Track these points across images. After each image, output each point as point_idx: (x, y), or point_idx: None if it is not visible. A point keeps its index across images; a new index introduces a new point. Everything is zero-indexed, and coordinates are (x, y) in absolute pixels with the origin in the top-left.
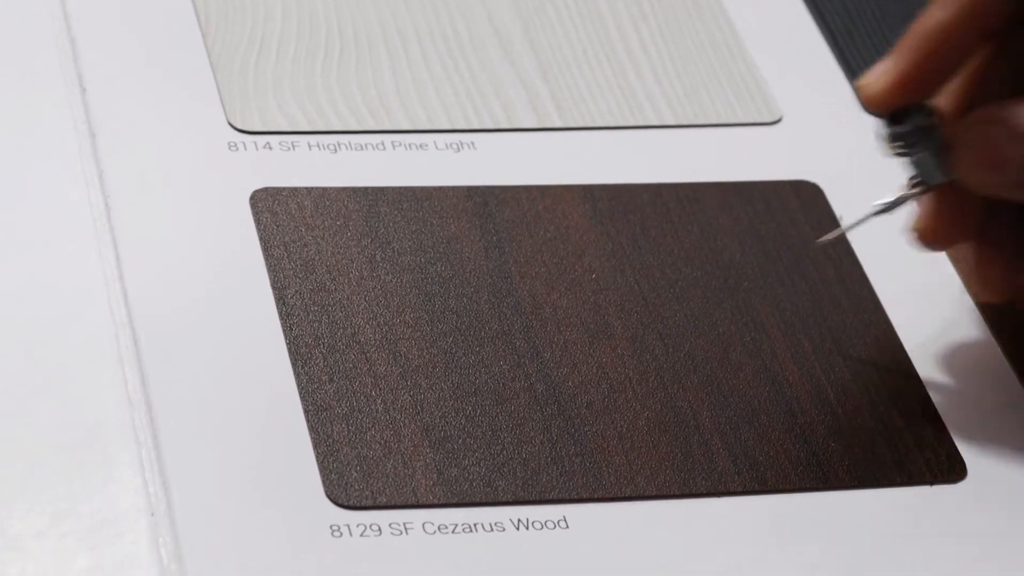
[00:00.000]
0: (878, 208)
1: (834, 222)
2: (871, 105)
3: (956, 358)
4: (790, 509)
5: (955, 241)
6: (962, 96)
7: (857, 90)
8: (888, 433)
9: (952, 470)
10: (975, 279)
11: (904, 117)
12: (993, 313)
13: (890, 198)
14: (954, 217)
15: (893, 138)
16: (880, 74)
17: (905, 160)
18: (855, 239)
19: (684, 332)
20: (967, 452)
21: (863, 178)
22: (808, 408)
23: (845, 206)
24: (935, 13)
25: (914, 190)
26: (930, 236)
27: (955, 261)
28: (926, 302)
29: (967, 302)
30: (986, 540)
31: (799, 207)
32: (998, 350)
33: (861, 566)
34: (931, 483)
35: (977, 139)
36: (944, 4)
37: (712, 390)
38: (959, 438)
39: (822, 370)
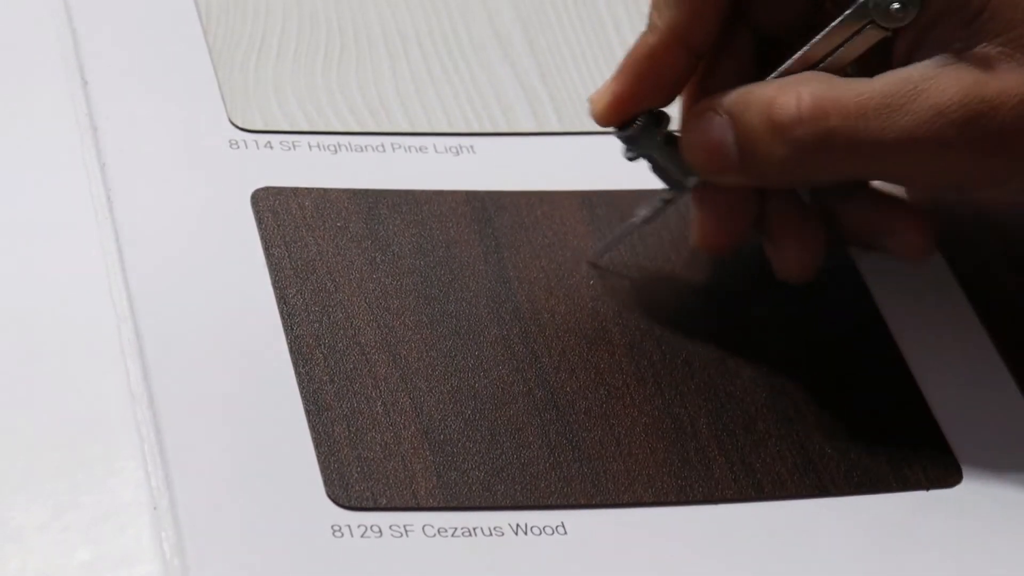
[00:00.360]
0: (638, 220)
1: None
2: (596, 121)
3: (953, 363)
4: (787, 516)
5: (732, 243)
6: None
7: (590, 105)
8: (885, 439)
9: (948, 475)
10: (775, 267)
11: (631, 126)
12: (991, 317)
13: (646, 210)
14: (721, 220)
15: (624, 143)
16: (601, 93)
17: (650, 167)
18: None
19: (681, 338)
20: (963, 457)
21: None
22: (805, 414)
23: None
24: (645, 38)
25: (666, 195)
26: (703, 242)
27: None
28: (923, 307)
29: (965, 306)
30: (982, 545)
31: None
32: (995, 354)
33: (858, 572)
34: (927, 488)
35: (696, 128)
36: (652, 29)
37: (709, 396)
38: (955, 443)
39: (819, 376)
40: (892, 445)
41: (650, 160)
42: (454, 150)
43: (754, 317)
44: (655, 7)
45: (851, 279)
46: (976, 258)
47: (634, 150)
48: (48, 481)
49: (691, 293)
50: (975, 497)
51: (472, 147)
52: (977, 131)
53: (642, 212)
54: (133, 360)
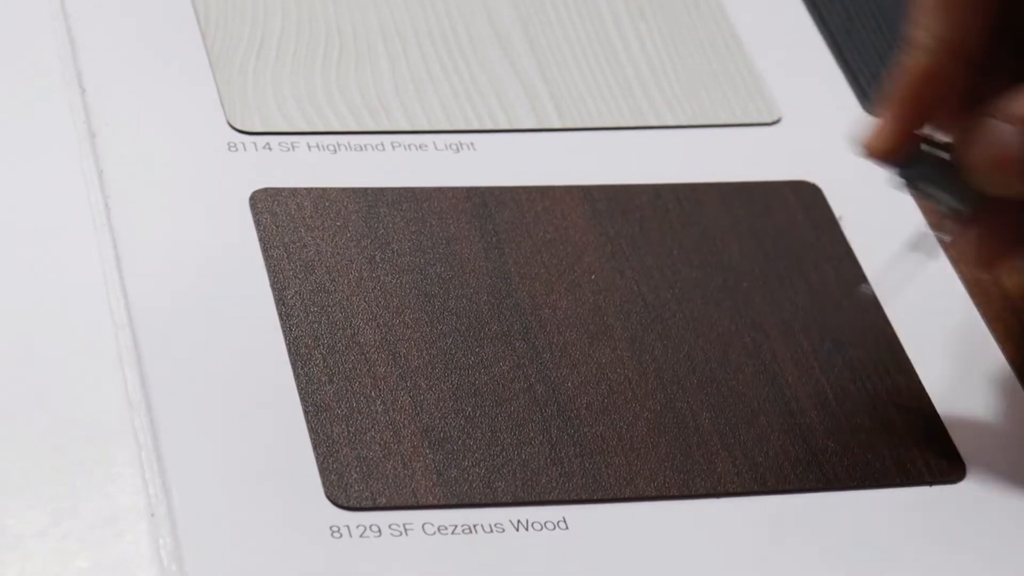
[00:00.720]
0: (919, 256)
1: (833, 223)
2: (878, 159)
3: (955, 358)
4: (790, 510)
5: (1007, 259)
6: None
7: (862, 148)
8: (887, 433)
9: (951, 470)
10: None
11: (919, 157)
12: (993, 312)
13: (926, 239)
14: (997, 238)
15: (907, 179)
16: (880, 130)
17: (930, 196)
18: (854, 239)
19: (683, 333)
20: (966, 452)
21: (863, 179)
22: (807, 409)
23: (845, 207)
24: (915, 58)
25: (943, 220)
26: (981, 260)
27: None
28: (926, 302)
29: (967, 302)
30: (985, 540)
31: (799, 208)
32: (997, 350)
33: (861, 566)
34: (930, 483)
35: (982, 138)
36: (922, 48)
37: (711, 391)
38: (958, 438)
39: (821, 371)
40: (895, 440)
41: (931, 193)
42: (454, 147)
43: (757, 311)
44: (920, 25)
45: (854, 274)
46: None
47: (916, 185)
48: (46, 488)
49: (693, 287)
50: (978, 492)
51: (472, 144)
52: None
53: (923, 249)
54: (131, 367)
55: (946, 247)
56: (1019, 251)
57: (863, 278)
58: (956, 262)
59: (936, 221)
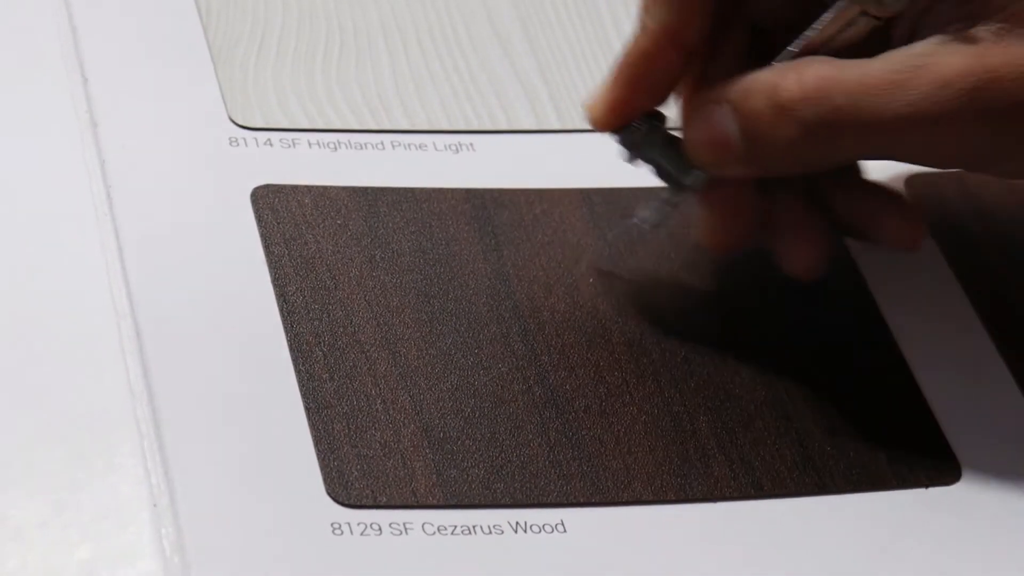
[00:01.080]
0: (646, 226)
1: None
2: (594, 127)
3: (952, 360)
4: (786, 514)
5: (738, 243)
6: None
7: (586, 111)
8: (884, 436)
9: (947, 473)
10: (782, 264)
11: (630, 128)
12: (990, 314)
13: (650, 214)
14: (726, 219)
15: (625, 147)
16: (597, 99)
17: (651, 170)
18: (852, 242)
19: (681, 336)
20: (962, 454)
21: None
22: (804, 412)
23: None
24: (637, 40)
25: (669, 197)
26: (710, 242)
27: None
28: (923, 304)
29: (964, 303)
30: (982, 542)
31: None
32: (994, 351)
33: (858, 570)
34: (927, 486)
35: (698, 121)
36: (643, 30)
37: (709, 394)
38: (954, 440)
39: (818, 373)
40: (891, 443)
41: (651, 163)
42: (454, 148)
43: (754, 315)
44: (644, 9)
45: (850, 277)
46: (975, 256)
47: (635, 154)
48: (48, 478)
49: (691, 291)
50: (974, 495)
51: (472, 145)
52: (983, 102)
53: (646, 215)
54: (133, 357)
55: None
56: (743, 233)
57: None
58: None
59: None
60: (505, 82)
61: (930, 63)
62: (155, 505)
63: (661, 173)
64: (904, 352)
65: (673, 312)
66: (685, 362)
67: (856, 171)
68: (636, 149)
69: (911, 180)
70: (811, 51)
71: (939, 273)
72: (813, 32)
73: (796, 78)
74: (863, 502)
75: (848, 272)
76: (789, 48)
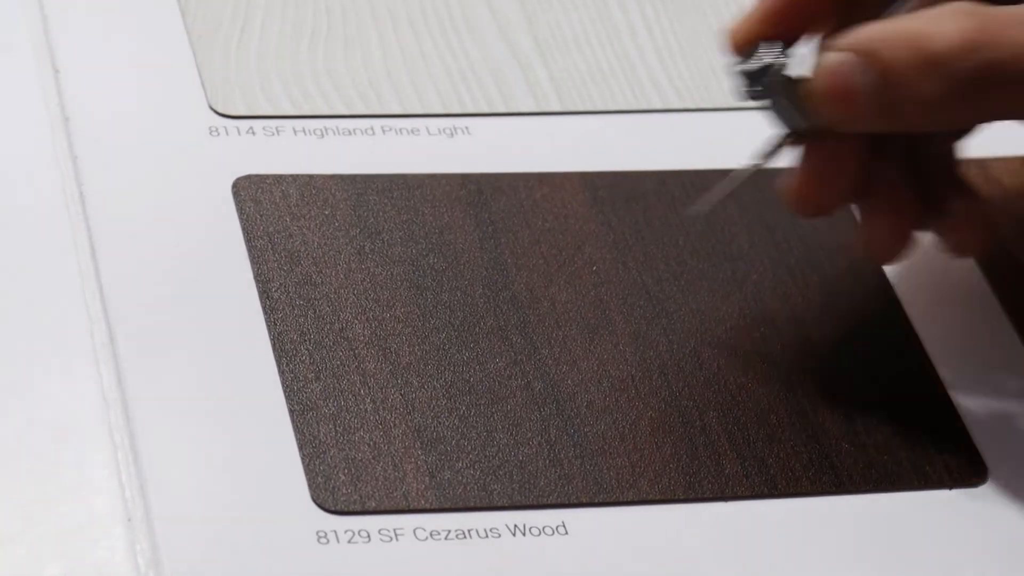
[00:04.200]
0: (752, 165)
1: (847, 211)
2: (737, 50)
3: (977, 355)
4: (802, 514)
5: (832, 205)
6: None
7: (727, 36)
8: (905, 434)
9: (972, 473)
10: (861, 240)
11: (755, 57)
12: (1017, 307)
13: (761, 153)
14: (827, 177)
15: (745, 78)
16: (744, 21)
17: (766, 106)
18: None
19: (689, 327)
20: (988, 454)
21: None
22: (820, 407)
23: None
24: None
25: (781, 139)
26: (801, 200)
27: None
28: (945, 295)
29: (989, 295)
30: (1008, 547)
31: None
32: (1021, 346)
33: (877, 573)
34: (951, 487)
35: (826, 70)
36: None
37: (719, 389)
38: (980, 439)
39: (835, 367)
40: (913, 441)
41: (771, 96)
42: (448, 132)
43: (767, 306)
44: None
45: (871, 268)
46: (1000, 246)
47: (757, 87)
48: (17, 491)
49: (699, 279)
50: (1001, 497)
51: (467, 128)
52: None
53: (756, 156)
54: (106, 363)
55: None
56: (838, 197)
57: (877, 268)
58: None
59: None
60: (502, 62)
61: None
62: (129, 519)
63: (781, 112)
64: (927, 347)
65: (681, 302)
66: (694, 355)
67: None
68: (761, 83)
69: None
70: None
71: (963, 264)
72: None
73: (946, 27)
74: (882, 503)
75: (867, 262)
76: None
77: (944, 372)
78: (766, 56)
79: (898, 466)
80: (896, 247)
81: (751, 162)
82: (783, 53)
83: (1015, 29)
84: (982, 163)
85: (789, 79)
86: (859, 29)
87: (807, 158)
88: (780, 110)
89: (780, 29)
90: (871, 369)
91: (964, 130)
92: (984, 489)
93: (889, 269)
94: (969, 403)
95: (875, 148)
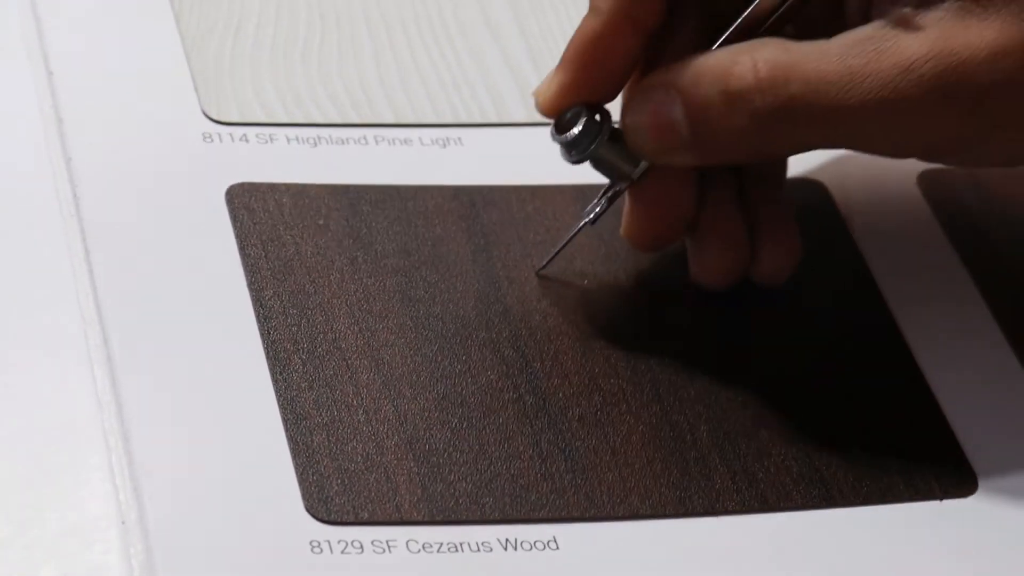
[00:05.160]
0: (586, 220)
1: (840, 222)
2: (542, 113)
3: (968, 367)
4: (793, 528)
5: (667, 238)
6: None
7: (535, 98)
8: (895, 446)
9: (963, 484)
10: (694, 268)
11: (570, 122)
12: (1008, 318)
13: (594, 207)
14: (659, 213)
15: (566, 146)
16: (546, 86)
17: (593, 165)
18: (862, 240)
19: (681, 341)
20: (978, 465)
21: (870, 176)
22: (811, 421)
23: (851, 204)
24: (588, 22)
25: (611, 191)
26: (637, 236)
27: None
28: (937, 307)
29: (982, 307)
30: (998, 558)
31: (803, 206)
32: (1013, 358)
33: None
34: (941, 498)
35: (641, 107)
36: (595, 11)
37: (710, 403)
38: (970, 450)
39: (826, 381)
40: (903, 453)
41: (594, 159)
42: (441, 142)
43: (758, 320)
44: None
45: (861, 279)
46: (991, 256)
47: (578, 153)
48: (10, 494)
49: (691, 294)
50: (991, 507)
51: (460, 139)
52: (947, 88)
53: (589, 212)
54: (100, 366)
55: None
56: (672, 230)
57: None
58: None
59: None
60: (495, 72)
61: (891, 47)
62: (123, 522)
63: (605, 168)
64: (917, 357)
65: (673, 316)
66: (685, 369)
67: (778, 175)
68: (580, 148)
69: (923, 176)
70: (758, 26)
71: (955, 275)
72: (760, 5)
73: (750, 64)
74: (873, 515)
75: (859, 275)
76: (734, 26)
77: (934, 383)
78: (579, 123)
79: (888, 478)
80: (725, 276)
81: (584, 219)
82: (595, 115)
83: (813, 63)
84: None
85: (612, 133)
86: (672, 65)
87: (638, 197)
88: (606, 168)
89: (585, 88)
90: (861, 382)
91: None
92: (974, 500)
93: (881, 282)
94: (959, 414)
95: (706, 183)
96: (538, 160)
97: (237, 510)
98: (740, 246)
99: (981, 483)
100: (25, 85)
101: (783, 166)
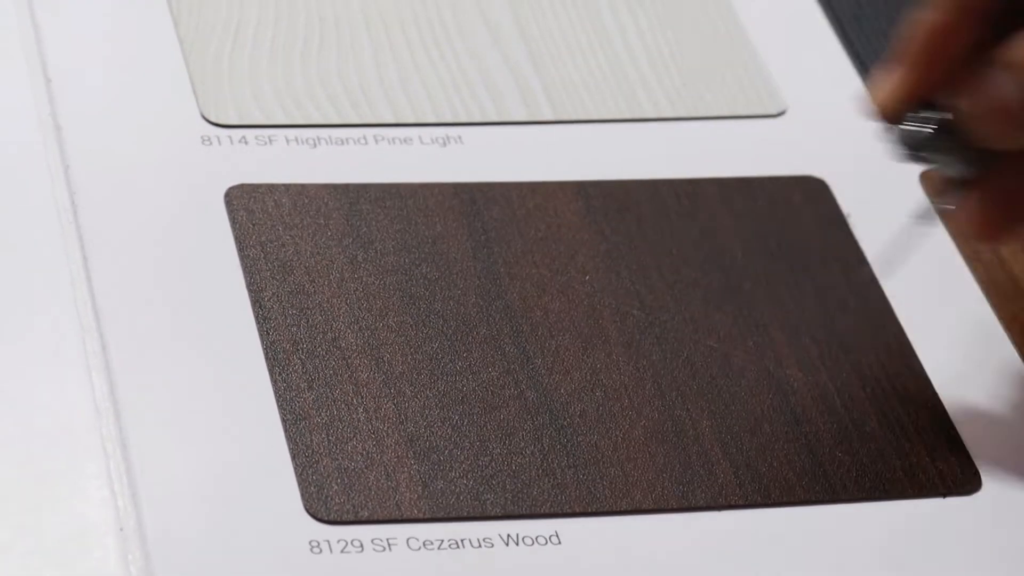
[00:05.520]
0: (920, 222)
1: (841, 220)
2: (885, 117)
3: (971, 363)
4: (795, 523)
5: (1014, 230)
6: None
7: (872, 108)
8: (899, 442)
9: (966, 481)
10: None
11: (916, 121)
12: (1010, 314)
13: (928, 211)
14: (1006, 204)
15: (903, 145)
16: (888, 84)
17: (934, 161)
18: (863, 237)
19: (683, 336)
20: (982, 462)
21: (871, 173)
22: (814, 416)
23: (853, 203)
24: (930, 16)
25: (949, 190)
26: (986, 229)
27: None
28: (939, 303)
29: (983, 304)
30: (1003, 555)
31: (804, 204)
32: (1015, 355)
33: None
34: (944, 495)
35: (977, 87)
36: (937, 4)
37: (712, 398)
38: (974, 447)
39: (828, 376)
40: (907, 449)
41: (927, 154)
42: (441, 141)
43: (761, 315)
44: None
45: (863, 275)
46: (994, 256)
47: (915, 146)
48: (8, 501)
49: (693, 288)
50: (995, 505)
51: (460, 138)
52: None
53: (926, 219)
54: (98, 372)
55: (949, 221)
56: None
57: (871, 276)
58: (971, 260)
59: (938, 191)
60: (495, 71)
61: None
62: (121, 529)
63: (943, 165)
64: (920, 353)
65: (674, 311)
66: (687, 364)
67: None
68: (925, 143)
69: (925, 175)
70: None
71: (957, 273)
72: None
73: None
74: (876, 511)
75: (861, 271)
76: None
77: (937, 380)
78: (920, 121)
79: (891, 474)
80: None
81: (921, 215)
82: (935, 113)
83: None
84: None
85: (947, 125)
86: (1008, 46)
87: (979, 192)
88: (945, 164)
89: (937, 77)
90: (864, 377)
91: None
92: (978, 497)
93: (883, 279)
94: (963, 411)
95: None
96: (538, 157)
97: (237, 510)
98: None
99: (985, 481)
100: (23, 92)
101: None
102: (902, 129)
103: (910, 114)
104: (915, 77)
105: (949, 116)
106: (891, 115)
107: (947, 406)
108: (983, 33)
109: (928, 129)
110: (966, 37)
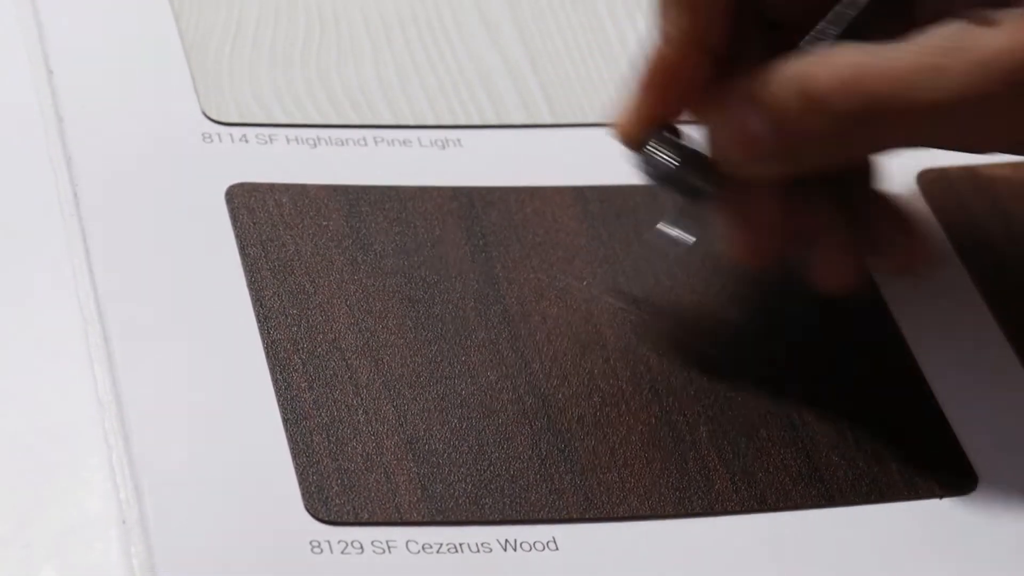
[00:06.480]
0: (672, 238)
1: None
2: (626, 145)
3: (967, 364)
4: (792, 528)
5: (774, 252)
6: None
7: (614, 131)
8: (895, 445)
9: (962, 482)
10: (815, 278)
11: (663, 145)
12: (1007, 316)
13: (679, 231)
14: (760, 226)
15: (661, 175)
16: (626, 116)
17: (675, 188)
18: None
19: (680, 342)
20: (978, 463)
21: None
22: (810, 421)
23: None
24: (659, 50)
25: (691, 209)
26: (742, 255)
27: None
28: (936, 305)
29: (980, 305)
30: (998, 556)
31: None
32: (1012, 356)
33: None
34: (940, 497)
35: (725, 118)
36: (666, 39)
37: (709, 403)
38: (970, 448)
39: (825, 380)
40: (902, 451)
41: (676, 181)
42: (440, 143)
43: (756, 319)
44: (664, 16)
45: (862, 280)
46: (991, 254)
47: (659, 175)
48: (10, 493)
49: (689, 295)
50: (991, 505)
51: (459, 140)
52: None
53: (675, 236)
54: (101, 365)
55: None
56: (776, 244)
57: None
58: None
59: (676, 218)
60: (494, 74)
61: (966, 44)
62: (124, 522)
63: (684, 189)
64: (916, 356)
65: (671, 317)
66: (684, 369)
67: (869, 178)
68: (661, 170)
69: (923, 175)
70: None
71: (953, 273)
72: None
73: (827, 67)
74: (873, 514)
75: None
76: (809, 36)
77: (933, 382)
78: (661, 149)
79: (888, 477)
80: (847, 280)
81: (674, 243)
82: (676, 137)
83: (891, 63)
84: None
85: (690, 151)
86: (747, 77)
87: (733, 217)
88: (687, 189)
89: (670, 106)
90: (860, 381)
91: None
92: (974, 498)
93: (880, 280)
94: (958, 412)
95: (804, 195)
96: (537, 161)
97: (237, 510)
98: (854, 249)
99: (980, 481)
100: (25, 84)
101: (874, 164)
102: (646, 155)
103: (654, 141)
104: (650, 109)
105: (692, 145)
106: (635, 143)
107: (943, 407)
108: (712, 64)
109: (671, 161)
110: (695, 72)
